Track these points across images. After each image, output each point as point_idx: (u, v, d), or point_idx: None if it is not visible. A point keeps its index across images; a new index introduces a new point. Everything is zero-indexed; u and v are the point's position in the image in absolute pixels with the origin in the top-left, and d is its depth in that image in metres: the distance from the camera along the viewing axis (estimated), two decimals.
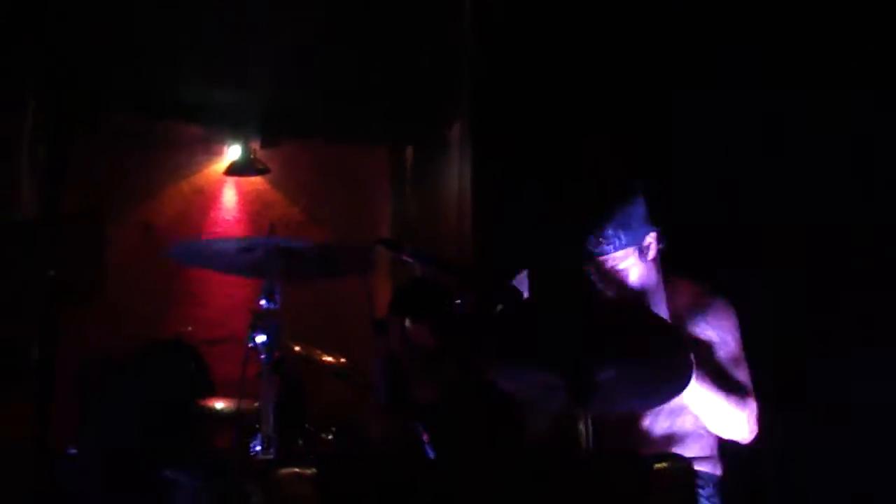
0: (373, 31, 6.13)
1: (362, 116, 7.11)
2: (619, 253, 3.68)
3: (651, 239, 3.73)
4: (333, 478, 2.25)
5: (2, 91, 6.40)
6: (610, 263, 3.70)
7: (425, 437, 3.81)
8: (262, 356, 3.49)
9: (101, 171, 6.98)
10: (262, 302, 3.49)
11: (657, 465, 2.55)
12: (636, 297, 3.74)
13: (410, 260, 3.86)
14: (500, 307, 3.56)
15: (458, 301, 3.71)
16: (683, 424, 3.69)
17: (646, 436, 3.70)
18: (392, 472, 2.41)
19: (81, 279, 6.70)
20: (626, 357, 2.94)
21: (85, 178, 6.89)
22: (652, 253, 3.74)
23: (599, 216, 3.67)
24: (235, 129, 7.27)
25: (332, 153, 7.56)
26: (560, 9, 5.24)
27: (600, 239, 3.66)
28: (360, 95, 6.74)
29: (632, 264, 3.70)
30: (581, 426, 2.95)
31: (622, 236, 3.66)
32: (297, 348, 4.62)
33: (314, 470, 2.21)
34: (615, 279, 3.72)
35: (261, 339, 3.48)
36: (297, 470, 2.22)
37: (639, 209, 3.72)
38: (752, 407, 3.62)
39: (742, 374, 3.67)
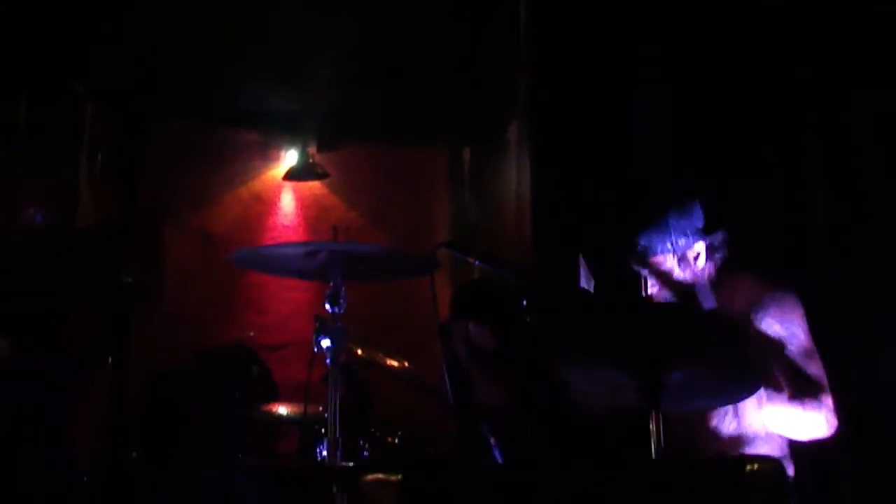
0: (429, 34, 6.11)
1: (419, 118, 7.09)
2: (657, 258, 3.71)
3: (699, 249, 3.74)
4: (419, 484, 2.22)
5: (60, 99, 6.46)
6: (647, 267, 3.73)
7: (493, 441, 3.79)
8: (328, 360, 3.47)
9: (159, 179, 7.00)
10: (327, 306, 3.48)
11: (749, 467, 2.50)
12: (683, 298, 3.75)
13: (475, 262, 3.84)
14: (566, 306, 3.57)
15: (525, 302, 3.67)
16: (752, 425, 3.64)
17: (713, 436, 3.66)
18: (477, 479, 2.38)
19: (141, 286, 6.73)
20: (692, 361, 2.94)
21: (143, 183, 6.93)
22: (701, 262, 3.74)
23: (636, 224, 3.71)
24: (292, 134, 7.28)
25: (390, 156, 7.56)
26: (616, 9, 5.21)
27: (636, 244, 3.72)
28: (416, 97, 6.73)
29: (671, 269, 3.72)
30: (651, 426, 2.94)
31: (657, 245, 3.70)
32: (359, 352, 4.61)
33: (400, 476, 2.18)
34: (656, 281, 3.74)
35: (326, 343, 3.46)
36: (382, 476, 2.20)
37: (683, 220, 3.73)
38: (827, 403, 3.57)
39: (815, 368, 3.62)
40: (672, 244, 3.70)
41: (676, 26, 4.91)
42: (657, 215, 3.72)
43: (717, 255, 3.78)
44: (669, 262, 3.73)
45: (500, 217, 6.51)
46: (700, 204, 3.78)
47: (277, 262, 3.73)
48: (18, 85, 6.37)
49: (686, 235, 3.72)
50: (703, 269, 3.77)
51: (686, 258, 3.73)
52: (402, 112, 6.99)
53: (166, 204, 7.16)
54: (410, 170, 7.63)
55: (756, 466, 2.51)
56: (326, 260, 3.45)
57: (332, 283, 3.44)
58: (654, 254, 3.72)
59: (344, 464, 2.92)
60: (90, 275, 6.30)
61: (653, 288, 3.78)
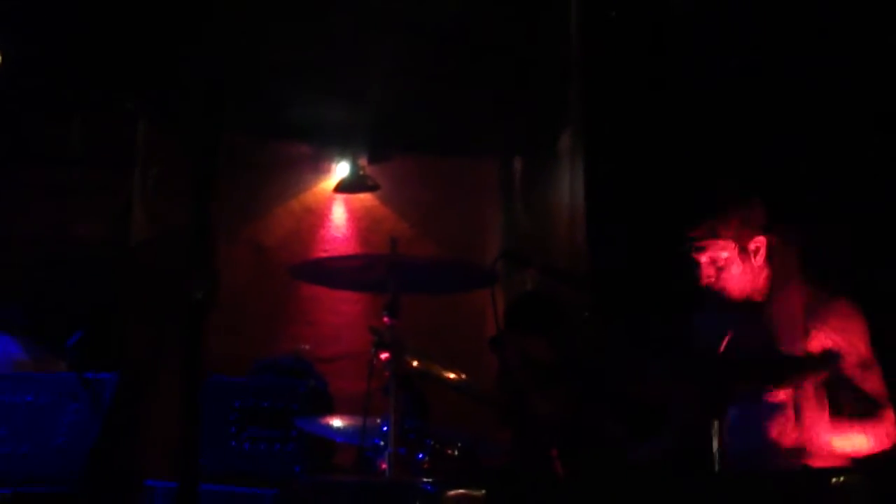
0: (478, 43, 6.10)
1: (470, 129, 7.07)
2: (718, 244, 3.68)
3: (759, 244, 3.69)
4: (503, 500, 2.20)
5: (113, 116, 6.51)
6: (707, 254, 3.69)
7: (554, 453, 3.76)
8: (386, 372, 3.47)
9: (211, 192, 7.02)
10: (385, 318, 3.47)
11: (834, 480, 2.46)
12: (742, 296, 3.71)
13: (536, 273, 3.82)
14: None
15: (586, 313, 3.66)
16: (814, 435, 3.58)
17: (775, 446, 3.61)
18: (560, 494, 2.36)
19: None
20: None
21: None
22: (760, 258, 3.69)
23: (701, 209, 3.68)
24: (343, 147, 7.29)
25: (441, 166, 7.55)
26: (670, 14, 5.17)
27: (698, 230, 3.68)
28: (466, 107, 6.71)
29: (731, 260, 3.67)
30: (714, 439, 2.91)
31: (720, 231, 3.65)
32: (415, 363, 4.58)
33: (484, 492, 2.15)
34: (711, 271, 3.69)
35: (384, 355, 3.45)
36: (465, 492, 2.17)
37: (747, 211, 3.69)
38: (888, 417, 3.52)
39: (873, 381, 3.57)
40: (735, 233, 3.67)
41: (735, 26, 4.87)
42: (722, 205, 3.69)
43: (775, 257, 3.74)
44: (730, 250, 3.69)
45: (553, 227, 6.47)
46: (764, 203, 3.75)
47: (335, 275, 3.74)
48: (72, 102, 6.43)
49: (749, 227, 3.69)
50: (761, 268, 3.72)
51: (747, 250, 3.69)
52: (453, 123, 6.97)
53: (218, 216, 7.18)
54: (461, 181, 7.62)
55: (842, 479, 2.47)
56: (385, 272, 3.45)
57: (390, 295, 3.44)
58: (716, 238, 3.69)
59: (424, 479, 2.90)
60: (146, 290, 6.33)
61: (708, 279, 3.73)
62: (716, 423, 3.01)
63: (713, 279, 3.72)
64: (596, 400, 3.94)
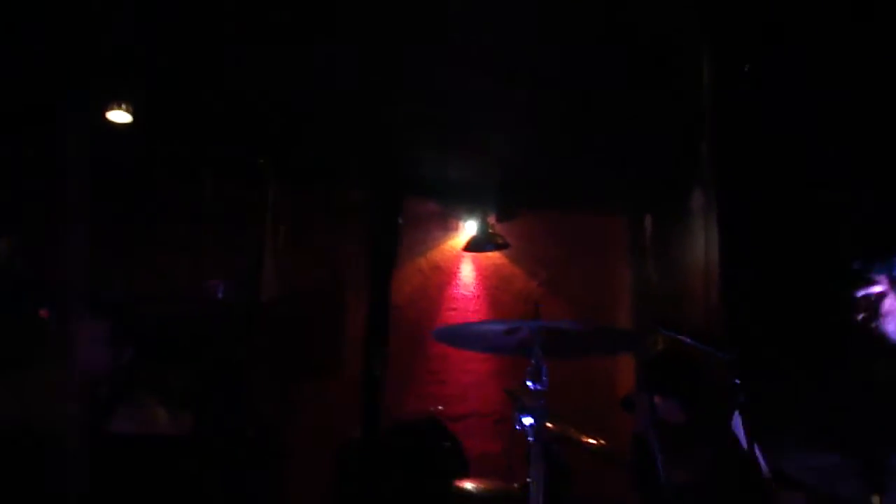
0: (608, 99, 6.06)
1: (598, 186, 7.03)
2: (872, 279, 3.65)
3: None
4: None
5: (243, 173, 6.61)
6: (860, 289, 3.65)
7: None
8: (530, 438, 3.41)
9: (340, 249, 7.09)
10: (529, 383, 3.42)
11: None
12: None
13: (688, 342, 3.75)
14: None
15: (737, 381, 3.56)
16: None
17: None
18: None
19: (322, 355, 6.79)
20: None
21: (324, 255, 7.03)
22: None
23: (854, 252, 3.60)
24: (472, 204, 7.28)
25: (570, 224, 7.51)
26: (802, 72, 5.08)
27: (850, 266, 3.67)
28: (595, 164, 6.67)
29: (883, 294, 3.59)
30: None
31: (875, 266, 3.62)
32: (550, 426, 4.52)
33: None
34: (863, 305, 3.60)
35: (528, 420, 3.39)
36: None
37: None
38: None
39: None
40: (891, 269, 3.59)
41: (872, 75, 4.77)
42: (879, 247, 3.63)
43: None
44: (882, 283, 3.60)
45: (686, 285, 6.37)
46: None
47: (476, 339, 3.71)
48: (203, 159, 6.54)
49: None
50: None
51: None
52: (581, 179, 6.94)
53: (346, 273, 7.22)
54: (591, 238, 7.57)
55: None
56: (528, 337, 3.40)
57: (533, 360, 3.39)
58: (870, 274, 3.60)
59: None
60: (276, 347, 6.37)
61: (861, 316, 3.64)
62: (876, 499, 2.89)
63: (867, 316, 3.64)
64: (729, 467, 3.83)
